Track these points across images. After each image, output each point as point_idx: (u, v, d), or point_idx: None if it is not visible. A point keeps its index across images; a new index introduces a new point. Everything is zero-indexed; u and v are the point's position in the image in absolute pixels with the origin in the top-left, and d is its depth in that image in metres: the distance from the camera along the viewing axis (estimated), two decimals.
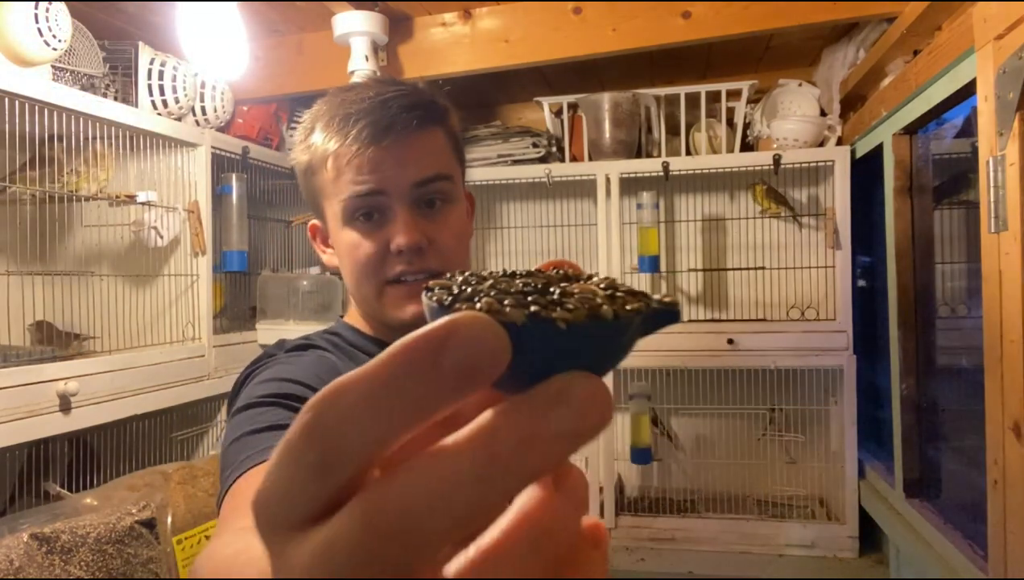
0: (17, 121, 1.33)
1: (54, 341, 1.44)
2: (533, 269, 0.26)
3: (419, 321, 0.78)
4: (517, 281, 0.24)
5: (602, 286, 0.24)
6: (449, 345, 0.19)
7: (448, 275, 0.25)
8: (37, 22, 1.36)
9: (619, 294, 0.23)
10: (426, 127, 0.79)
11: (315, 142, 0.79)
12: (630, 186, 2.18)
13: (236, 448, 0.66)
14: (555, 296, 0.22)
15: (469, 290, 0.23)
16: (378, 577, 0.19)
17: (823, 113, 2.12)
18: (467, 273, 0.26)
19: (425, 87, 0.83)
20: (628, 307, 0.22)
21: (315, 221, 0.87)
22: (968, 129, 1.55)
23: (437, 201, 0.80)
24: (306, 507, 0.20)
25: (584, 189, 2.27)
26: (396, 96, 0.77)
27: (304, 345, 0.84)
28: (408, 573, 0.19)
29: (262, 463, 0.61)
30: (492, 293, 0.22)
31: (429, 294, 0.24)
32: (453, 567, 0.19)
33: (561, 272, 0.26)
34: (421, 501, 0.19)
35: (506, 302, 0.21)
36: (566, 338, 0.21)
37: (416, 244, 0.77)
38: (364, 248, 0.79)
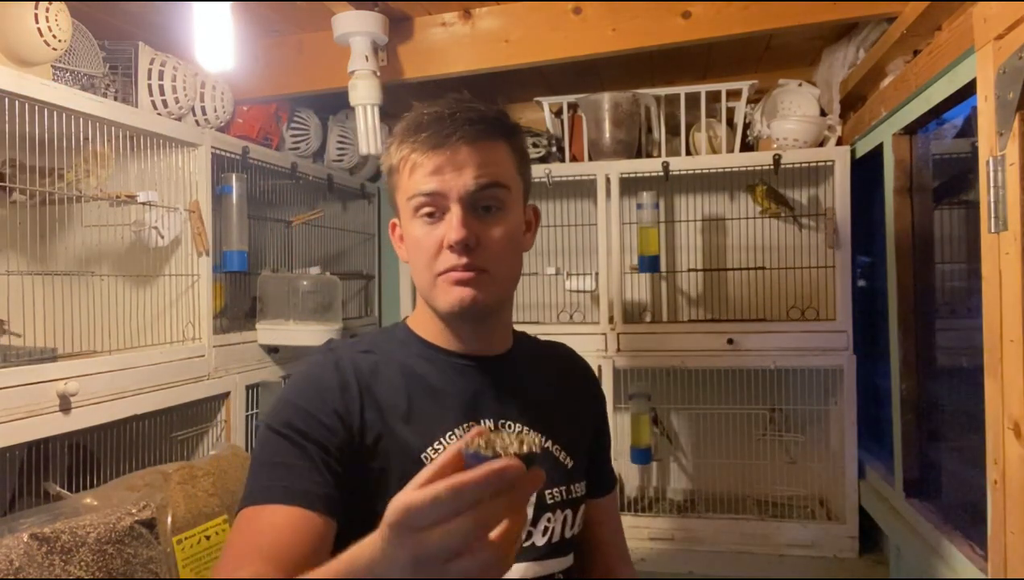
0: (17, 121, 1.33)
1: None
2: (476, 433, 0.58)
3: (461, 310, 0.91)
4: (498, 442, 0.57)
5: (523, 435, 0.58)
6: (507, 470, 0.52)
7: (474, 440, 0.57)
8: (37, 22, 1.36)
9: (529, 439, 0.58)
10: (488, 139, 0.89)
11: (393, 148, 0.92)
12: (630, 186, 2.18)
13: (251, 475, 0.84)
14: (516, 444, 0.57)
15: (491, 451, 0.56)
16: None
17: (823, 113, 2.12)
18: (480, 438, 0.57)
19: (497, 108, 0.94)
20: (540, 444, 0.66)
21: (395, 219, 0.98)
22: (968, 129, 1.55)
23: (493, 207, 0.90)
24: (432, 521, 0.53)
25: (584, 189, 2.27)
26: (463, 110, 0.89)
27: (331, 348, 0.95)
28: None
29: (258, 505, 0.80)
30: (500, 448, 0.56)
31: (469, 447, 0.56)
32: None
33: (495, 432, 0.59)
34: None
35: (512, 450, 0.56)
36: (528, 459, 0.55)
37: (465, 241, 0.86)
38: (424, 241, 0.89)
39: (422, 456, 0.87)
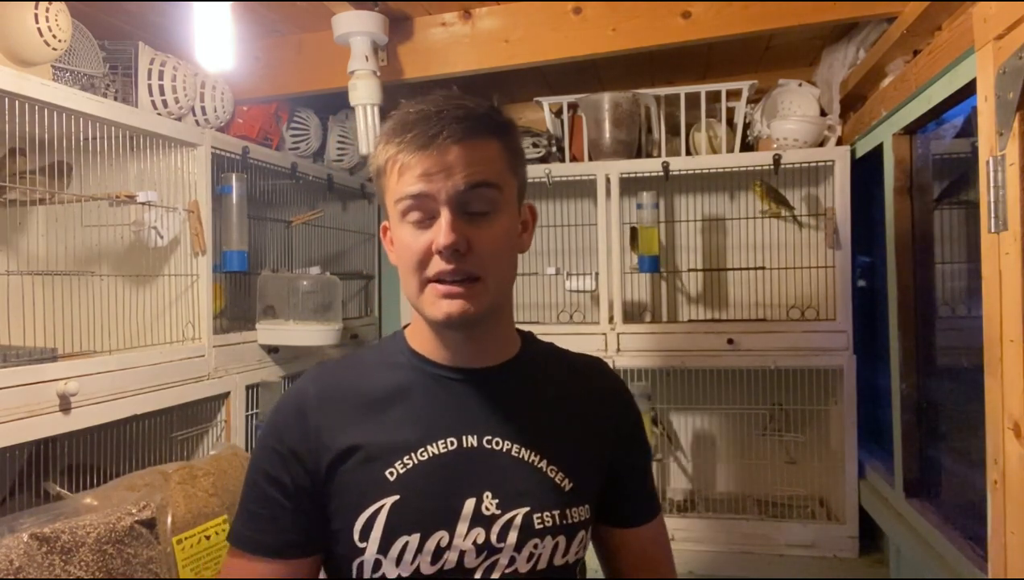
0: (17, 121, 1.33)
1: None
2: None
3: (449, 322, 0.86)
4: None
5: None
6: None
7: None
8: (37, 22, 1.36)
9: None
10: (478, 137, 0.85)
11: (380, 148, 0.88)
12: (630, 186, 2.18)
13: (239, 507, 0.92)
14: None
15: None
16: None
17: (823, 113, 2.12)
18: None
19: (488, 103, 0.90)
20: None
21: (386, 221, 0.94)
22: (968, 129, 1.55)
23: (485, 209, 0.85)
24: None
25: (584, 189, 2.27)
26: (451, 108, 0.84)
27: (305, 378, 0.95)
28: None
29: (237, 549, 0.90)
30: None
31: None
32: None
33: None
34: None
35: None
36: None
37: (454, 245, 0.82)
38: (412, 246, 0.85)
39: (387, 473, 0.85)
